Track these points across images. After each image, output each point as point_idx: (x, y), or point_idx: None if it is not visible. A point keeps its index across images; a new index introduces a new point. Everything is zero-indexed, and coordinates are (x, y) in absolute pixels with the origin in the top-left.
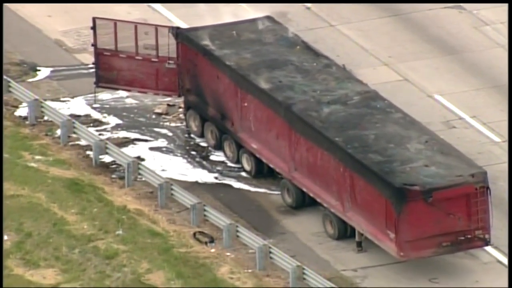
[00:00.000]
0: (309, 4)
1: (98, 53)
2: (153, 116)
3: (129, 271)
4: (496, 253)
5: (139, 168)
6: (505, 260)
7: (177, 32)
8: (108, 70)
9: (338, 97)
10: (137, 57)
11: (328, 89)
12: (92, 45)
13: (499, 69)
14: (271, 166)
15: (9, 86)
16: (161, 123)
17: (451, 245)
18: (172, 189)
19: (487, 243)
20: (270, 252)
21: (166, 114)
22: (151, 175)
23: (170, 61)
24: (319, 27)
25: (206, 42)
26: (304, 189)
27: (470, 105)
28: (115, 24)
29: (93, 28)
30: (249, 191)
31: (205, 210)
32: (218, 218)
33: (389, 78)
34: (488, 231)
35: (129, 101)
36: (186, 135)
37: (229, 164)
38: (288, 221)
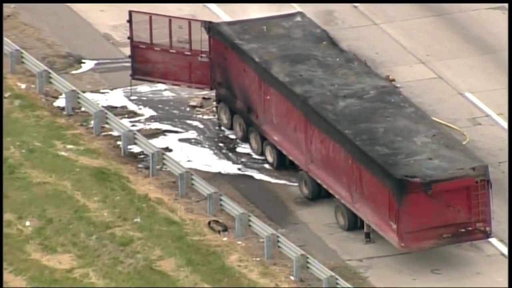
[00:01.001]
0: (357, 4)
1: (134, 46)
2: (187, 109)
3: (142, 258)
4: (501, 246)
5: (163, 158)
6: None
7: (209, 26)
8: (143, 63)
9: (354, 91)
10: (171, 50)
11: (346, 83)
12: (128, 38)
13: None
14: (290, 158)
15: (50, 77)
16: (194, 115)
17: (452, 236)
18: (192, 179)
19: (488, 235)
20: (278, 241)
21: (201, 107)
22: (174, 165)
23: (203, 55)
24: (363, 25)
25: (235, 36)
26: (319, 181)
27: (498, 103)
28: (150, 18)
29: (129, 21)
30: (269, 182)
31: (221, 199)
32: (233, 208)
33: (424, 76)
34: (489, 223)
35: (167, 93)
36: (217, 128)
37: (254, 156)
38: (303, 212)
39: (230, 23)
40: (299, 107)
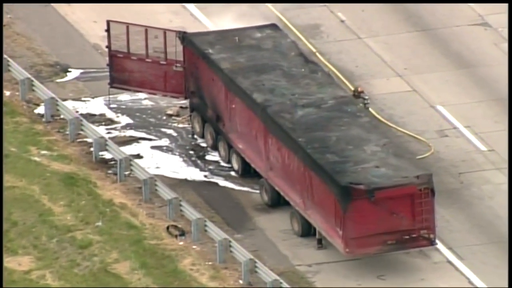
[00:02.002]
0: (343, 17)
1: (112, 55)
2: (164, 118)
3: (98, 261)
4: (448, 254)
5: (130, 165)
6: (455, 261)
7: (183, 36)
8: (121, 72)
9: (313, 100)
10: (147, 60)
11: (307, 93)
12: (106, 47)
13: (504, 83)
14: (252, 165)
15: (32, 85)
16: (170, 124)
17: (396, 243)
18: (156, 184)
19: (432, 242)
20: (230, 246)
21: (177, 115)
22: (140, 171)
23: (178, 65)
24: (347, 39)
25: (207, 46)
26: (276, 188)
27: (468, 116)
28: (127, 28)
29: (107, 30)
30: (233, 189)
31: (181, 205)
32: (191, 213)
33: (399, 89)
34: (433, 231)
35: (146, 102)
36: (190, 136)
37: (222, 163)
38: (261, 218)
39: (204, 33)
40: (259, 116)
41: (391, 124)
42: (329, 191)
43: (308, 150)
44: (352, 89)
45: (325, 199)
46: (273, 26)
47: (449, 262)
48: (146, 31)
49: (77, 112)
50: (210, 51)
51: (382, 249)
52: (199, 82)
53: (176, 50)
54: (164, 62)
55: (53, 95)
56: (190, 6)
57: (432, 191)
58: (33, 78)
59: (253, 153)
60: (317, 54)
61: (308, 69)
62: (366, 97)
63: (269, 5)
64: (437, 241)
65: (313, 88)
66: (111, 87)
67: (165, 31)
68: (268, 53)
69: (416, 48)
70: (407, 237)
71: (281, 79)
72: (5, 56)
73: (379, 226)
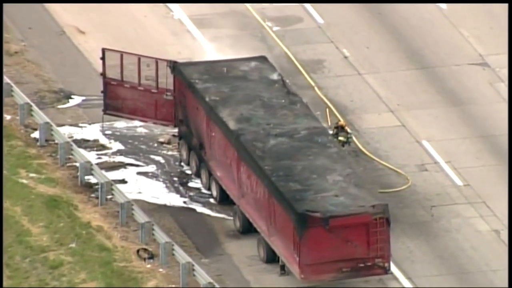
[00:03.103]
0: (348, 53)
1: (106, 82)
2: (155, 145)
3: (66, 281)
4: (406, 283)
5: (111, 189)
6: None
7: (173, 65)
8: (114, 99)
9: (287, 130)
10: (139, 88)
11: (282, 123)
12: (101, 74)
13: (492, 121)
14: (228, 192)
15: (31, 110)
16: (159, 151)
17: (351, 271)
18: (132, 208)
19: (386, 271)
20: (193, 270)
21: (168, 143)
22: (119, 195)
23: (168, 93)
24: (347, 75)
25: (194, 76)
26: (247, 215)
27: (450, 151)
28: (121, 56)
29: (102, 58)
30: (209, 215)
31: (153, 229)
32: (161, 237)
33: (389, 124)
34: (388, 260)
35: (140, 130)
36: (177, 163)
37: (203, 190)
38: (230, 244)
39: (194, 64)
40: (233, 144)
41: (374, 157)
42: (288, 218)
43: (273, 178)
44: (339, 122)
45: (285, 226)
46: (262, 58)
47: None
48: (139, 59)
49: (71, 137)
50: (196, 80)
51: (338, 276)
52: (186, 110)
53: (167, 79)
54: (156, 91)
55: (48, 120)
56: (201, 38)
57: (387, 221)
58: (32, 103)
59: (228, 181)
60: (315, 88)
61: (288, 100)
62: (349, 132)
63: (277, 39)
64: (397, 270)
65: (289, 118)
66: (105, 113)
67: (156, 60)
68: (253, 84)
69: (412, 85)
70: (362, 265)
71: (260, 109)
72: (9, 81)
73: (334, 254)
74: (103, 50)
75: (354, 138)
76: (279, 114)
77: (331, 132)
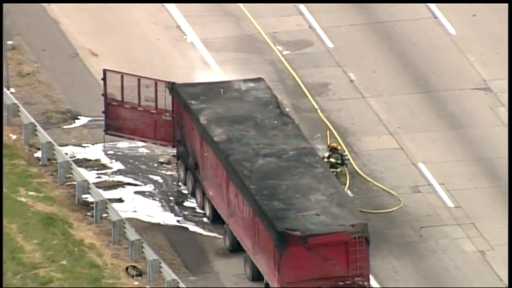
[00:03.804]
0: (354, 77)
1: (107, 103)
2: (155, 165)
3: None
4: None
5: (106, 207)
6: None
7: (172, 86)
8: (115, 119)
9: (275, 151)
10: (139, 108)
11: (272, 143)
12: (102, 95)
13: (489, 144)
14: (218, 211)
15: (35, 130)
16: (159, 171)
17: None
18: (124, 227)
19: None
20: (178, 287)
21: (168, 163)
22: (112, 214)
23: (167, 114)
24: (351, 98)
25: (190, 97)
26: (235, 234)
27: (445, 174)
28: (122, 77)
29: (104, 79)
30: (201, 234)
31: (142, 247)
32: (150, 255)
33: (387, 146)
34: (367, 278)
35: (142, 150)
36: (175, 183)
37: (198, 210)
38: (219, 263)
39: (192, 85)
40: (223, 163)
41: (369, 179)
42: (269, 237)
43: (257, 197)
44: (332, 143)
45: (267, 244)
46: (259, 80)
47: None
48: (138, 80)
49: (74, 157)
50: (192, 101)
51: None
52: (183, 131)
53: (165, 100)
54: (155, 111)
55: (50, 140)
56: (211, 60)
57: (367, 240)
58: (36, 123)
59: (219, 200)
60: (318, 110)
61: (280, 121)
62: (345, 153)
63: (285, 63)
64: None
65: (279, 139)
66: (106, 133)
67: (156, 81)
68: (247, 105)
69: (414, 109)
70: (341, 283)
71: (251, 130)
72: (15, 101)
73: (314, 272)
74: (104, 71)
75: (351, 160)
76: (270, 134)
77: (326, 154)
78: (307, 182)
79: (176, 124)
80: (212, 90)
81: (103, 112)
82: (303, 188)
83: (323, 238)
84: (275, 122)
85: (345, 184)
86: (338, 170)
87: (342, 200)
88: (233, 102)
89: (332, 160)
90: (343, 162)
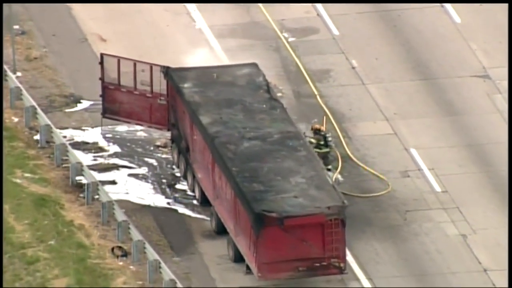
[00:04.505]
0: (356, 64)
1: (104, 87)
2: (151, 148)
3: (40, 276)
4: (366, 284)
5: (97, 189)
6: None
7: (166, 70)
8: (112, 103)
9: (261, 134)
10: (135, 92)
11: (258, 127)
12: (100, 79)
13: (482, 130)
14: (206, 194)
15: (36, 113)
16: (154, 154)
17: (307, 270)
18: (113, 208)
19: (342, 271)
20: (160, 267)
21: (164, 146)
22: (103, 195)
23: (162, 98)
24: (351, 84)
25: (183, 81)
26: (219, 215)
27: (435, 159)
28: (118, 61)
29: (101, 63)
30: (189, 216)
31: (129, 228)
32: (135, 236)
33: (381, 132)
34: (344, 260)
35: (140, 133)
36: (169, 166)
37: (188, 192)
38: (204, 244)
39: (186, 69)
40: (209, 146)
41: (359, 163)
42: (248, 218)
43: (238, 179)
44: (317, 127)
45: (246, 226)
46: (253, 65)
47: None
48: (134, 65)
49: (72, 139)
50: (184, 85)
51: (294, 275)
52: (176, 114)
53: (160, 84)
54: (150, 95)
55: (49, 122)
56: (217, 47)
57: (343, 222)
58: (36, 106)
59: (206, 182)
60: (318, 96)
61: (269, 105)
62: (328, 135)
63: (290, 49)
64: (360, 271)
65: (266, 123)
66: (104, 117)
67: (151, 65)
68: (238, 89)
69: (412, 95)
70: (318, 264)
71: (239, 113)
72: (19, 85)
73: (290, 253)
74: (102, 55)
75: (344, 144)
76: (257, 118)
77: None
78: (289, 165)
79: (170, 108)
80: (205, 74)
81: (101, 96)
82: (284, 171)
83: (299, 220)
84: (264, 106)
85: (336, 168)
86: (323, 151)
87: (321, 183)
88: (225, 86)
89: (313, 140)
90: (326, 143)
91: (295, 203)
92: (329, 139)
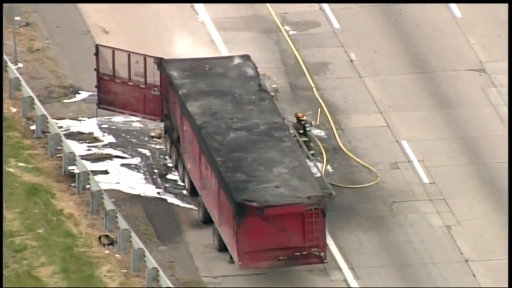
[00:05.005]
0: (354, 57)
1: (99, 78)
2: (146, 139)
3: (26, 264)
4: (348, 273)
5: (88, 178)
6: (351, 280)
7: (159, 62)
8: (107, 93)
9: (248, 125)
10: (129, 83)
11: (245, 118)
12: (95, 69)
13: (474, 123)
14: (194, 184)
15: (33, 103)
16: (148, 144)
17: (288, 259)
18: (102, 197)
19: (322, 260)
20: (144, 256)
21: (158, 137)
22: (93, 185)
23: (155, 89)
24: (348, 77)
25: (175, 71)
26: (206, 205)
27: (426, 151)
28: (113, 52)
29: (96, 54)
30: (178, 206)
31: (116, 217)
32: (122, 225)
33: (374, 124)
34: (324, 249)
35: (136, 124)
36: (162, 156)
37: (179, 182)
38: (190, 233)
39: (179, 60)
40: (196, 136)
41: (350, 154)
42: (230, 207)
43: (221, 169)
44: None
45: (228, 215)
46: (246, 57)
47: (345, 280)
48: (129, 56)
49: (68, 130)
50: (176, 76)
51: (274, 264)
52: (168, 105)
53: (154, 75)
54: (144, 86)
55: (45, 113)
56: (218, 39)
57: (323, 212)
58: (34, 97)
59: (195, 173)
60: (314, 89)
61: (258, 97)
62: (307, 125)
63: (290, 42)
64: (343, 261)
65: (254, 114)
66: (99, 107)
67: (145, 56)
68: (229, 81)
69: (408, 88)
70: (298, 254)
71: (228, 104)
72: (18, 75)
73: (270, 242)
74: (97, 46)
75: (337, 136)
76: (245, 109)
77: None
78: (273, 155)
79: (163, 99)
80: (198, 65)
81: (96, 87)
82: (268, 161)
83: (279, 209)
84: (253, 97)
85: (322, 161)
86: (301, 139)
87: (304, 173)
88: (216, 78)
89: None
90: (305, 132)
91: (276, 193)
92: (308, 128)
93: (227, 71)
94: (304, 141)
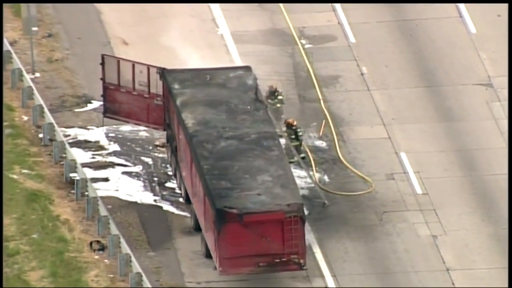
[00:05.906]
0: (365, 71)
1: (105, 87)
2: (150, 147)
3: (17, 268)
4: (330, 281)
5: (86, 185)
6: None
7: (162, 72)
8: (112, 102)
9: (239, 134)
10: (133, 93)
11: (237, 127)
12: (101, 79)
13: (474, 136)
14: (188, 191)
15: (43, 112)
16: (152, 153)
17: (268, 265)
18: (97, 204)
19: (301, 267)
20: (131, 261)
21: (162, 146)
22: (91, 191)
23: (158, 98)
24: (356, 90)
25: (175, 82)
26: (196, 213)
27: (422, 163)
28: (118, 62)
29: (102, 64)
30: (172, 213)
31: (109, 223)
32: (113, 231)
33: (376, 136)
34: (303, 256)
35: (142, 133)
36: (163, 165)
37: (177, 190)
38: (181, 240)
39: (180, 71)
40: (189, 144)
41: (348, 165)
42: (212, 214)
43: (206, 176)
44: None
45: (211, 222)
46: (246, 68)
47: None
48: (133, 66)
49: (75, 138)
50: (176, 86)
51: (254, 270)
52: (169, 114)
53: (157, 85)
54: (147, 96)
55: (52, 121)
56: (234, 52)
57: (302, 219)
58: (44, 105)
59: (188, 180)
60: (321, 101)
61: (253, 107)
62: (299, 130)
63: (304, 56)
64: (326, 268)
65: (246, 123)
66: (104, 116)
67: (148, 66)
68: (227, 91)
69: (414, 101)
70: (278, 260)
71: (222, 114)
72: (31, 84)
73: (250, 249)
74: (102, 56)
75: (336, 145)
76: (238, 119)
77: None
78: (259, 163)
79: (165, 108)
80: (199, 76)
81: (102, 96)
82: (253, 169)
83: (259, 216)
84: (248, 107)
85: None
86: (293, 144)
87: (287, 182)
88: (215, 88)
89: (284, 134)
90: (297, 137)
91: (257, 200)
92: (300, 133)
93: (227, 81)
94: (295, 146)
